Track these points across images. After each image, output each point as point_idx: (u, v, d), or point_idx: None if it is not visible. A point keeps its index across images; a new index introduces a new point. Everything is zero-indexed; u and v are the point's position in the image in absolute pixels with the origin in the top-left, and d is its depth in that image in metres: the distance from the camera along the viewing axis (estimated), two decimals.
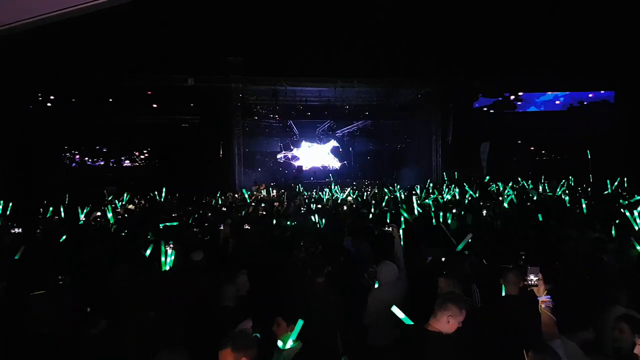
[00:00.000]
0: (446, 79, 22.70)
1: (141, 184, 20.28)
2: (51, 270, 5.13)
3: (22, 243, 6.60)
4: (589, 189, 16.52)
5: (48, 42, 13.95)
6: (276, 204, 14.81)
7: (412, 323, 3.76)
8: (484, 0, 18.12)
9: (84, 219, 10.74)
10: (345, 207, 12.48)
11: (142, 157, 30.55)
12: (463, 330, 3.51)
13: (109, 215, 10.35)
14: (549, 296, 3.44)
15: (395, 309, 3.88)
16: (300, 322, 3.41)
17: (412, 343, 3.56)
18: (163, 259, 5.79)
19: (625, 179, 16.22)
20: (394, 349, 3.81)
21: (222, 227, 7.92)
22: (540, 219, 8.61)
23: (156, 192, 16.70)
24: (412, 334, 3.66)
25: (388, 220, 9.55)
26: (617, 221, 8.10)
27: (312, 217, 10.22)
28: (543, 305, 3.42)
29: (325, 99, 24.35)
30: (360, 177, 27.85)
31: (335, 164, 30.02)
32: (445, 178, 21.56)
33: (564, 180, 17.38)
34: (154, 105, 24.78)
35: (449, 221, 8.92)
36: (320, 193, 19.78)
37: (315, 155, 29.75)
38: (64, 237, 7.68)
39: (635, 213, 7.89)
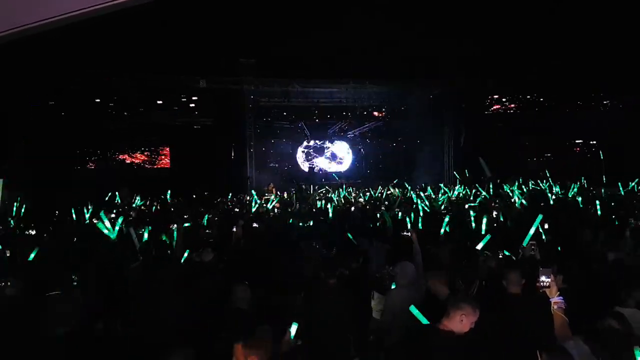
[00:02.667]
0: (459, 80, 22.52)
1: (153, 185, 20.41)
2: (65, 271, 5.19)
3: (36, 245, 6.67)
4: (602, 190, 16.31)
5: (61, 42, 14.09)
6: (277, 205, 14.92)
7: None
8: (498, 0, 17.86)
9: (95, 221, 10.78)
10: (353, 209, 12.47)
11: (154, 158, 30.78)
12: (476, 330, 3.48)
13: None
14: (561, 297, 3.41)
15: (413, 309, 3.86)
16: (294, 325, 3.43)
17: (422, 341, 3.54)
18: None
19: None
20: (402, 346, 3.78)
21: (235, 229, 7.93)
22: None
23: (168, 193, 16.81)
24: (423, 332, 3.64)
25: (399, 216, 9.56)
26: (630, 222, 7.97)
27: (324, 218, 10.21)
28: (555, 307, 3.39)
29: (337, 100, 24.36)
30: (372, 178, 27.77)
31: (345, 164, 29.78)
32: (457, 176, 21.38)
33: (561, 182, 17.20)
34: (167, 107, 24.98)
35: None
36: (335, 193, 19.77)
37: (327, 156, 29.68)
38: (75, 238, 7.73)
39: None
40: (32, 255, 6.20)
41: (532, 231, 5.90)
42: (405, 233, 5.86)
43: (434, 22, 18.80)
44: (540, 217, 6.15)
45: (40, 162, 20.46)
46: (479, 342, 3.57)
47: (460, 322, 3.43)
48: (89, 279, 5.04)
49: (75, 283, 4.75)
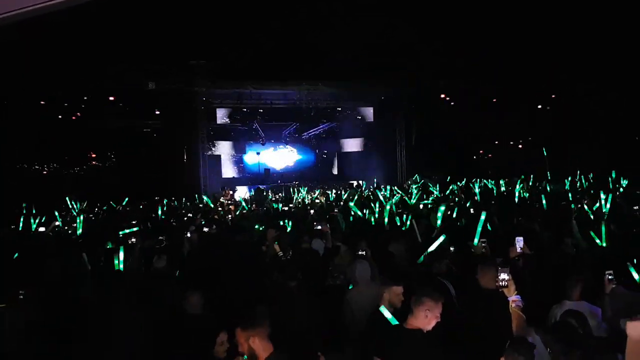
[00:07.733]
0: (411, 81, 22.75)
1: (104, 190, 19.68)
2: (10, 284, 4.91)
3: None
4: (548, 186, 17.00)
5: (8, 42, 13.30)
6: (232, 207, 14.87)
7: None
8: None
9: (42, 230, 10.25)
10: (313, 211, 12.46)
11: (104, 162, 29.74)
12: (442, 326, 3.53)
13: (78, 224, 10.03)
14: (518, 296, 3.52)
15: (383, 309, 3.88)
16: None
17: (392, 343, 3.55)
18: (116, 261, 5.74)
19: (582, 176, 16.80)
20: (373, 350, 3.78)
21: (188, 235, 7.77)
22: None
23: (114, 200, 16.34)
24: (391, 333, 3.65)
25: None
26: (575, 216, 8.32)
27: (280, 221, 10.14)
28: (513, 305, 3.49)
29: (290, 101, 24.30)
30: (327, 179, 27.88)
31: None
32: (420, 179, 21.62)
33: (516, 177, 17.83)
34: (115, 110, 24.18)
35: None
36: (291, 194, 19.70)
37: (282, 157, 29.48)
38: (19, 249, 7.31)
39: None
40: None
41: (479, 229, 6.08)
42: (360, 252, 5.82)
43: (387, 23, 18.92)
44: (484, 214, 6.30)
45: None
46: (446, 338, 3.62)
47: (425, 317, 3.48)
48: (35, 294, 4.76)
49: (21, 297, 4.48)
